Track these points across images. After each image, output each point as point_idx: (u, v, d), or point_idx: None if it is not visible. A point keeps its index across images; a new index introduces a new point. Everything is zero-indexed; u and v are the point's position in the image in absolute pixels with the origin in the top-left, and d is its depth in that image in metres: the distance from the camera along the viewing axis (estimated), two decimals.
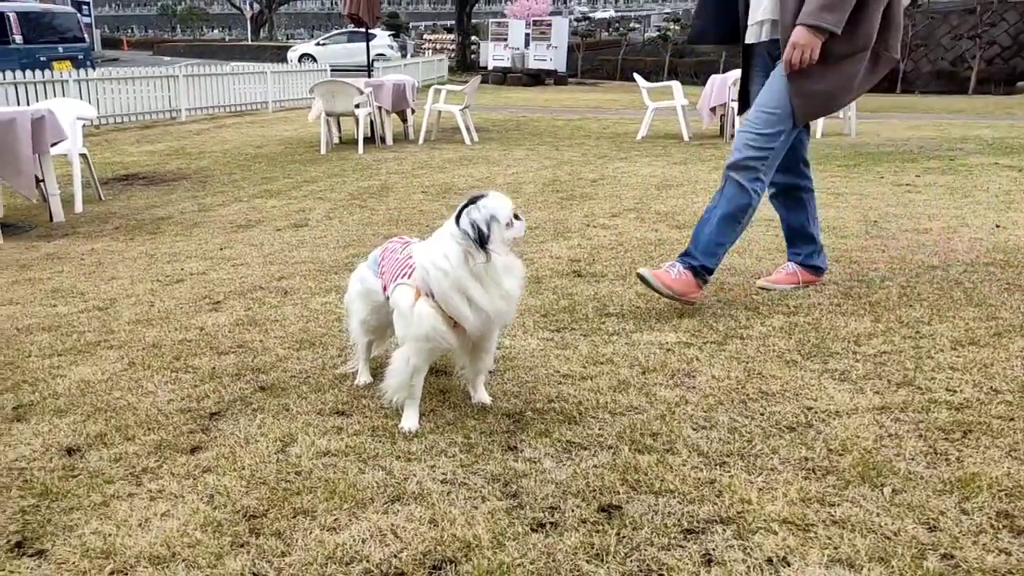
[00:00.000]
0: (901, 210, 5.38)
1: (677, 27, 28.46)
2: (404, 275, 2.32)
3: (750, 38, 3.40)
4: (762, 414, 2.37)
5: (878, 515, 1.82)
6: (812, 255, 3.67)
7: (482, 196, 2.23)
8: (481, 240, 2.15)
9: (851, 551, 1.69)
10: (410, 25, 40.55)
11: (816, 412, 2.38)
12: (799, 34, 3.00)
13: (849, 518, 1.81)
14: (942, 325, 3.09)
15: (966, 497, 1.89)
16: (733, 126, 9.42)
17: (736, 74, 9.56)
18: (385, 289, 2.43)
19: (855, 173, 7.11)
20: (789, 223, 3.71)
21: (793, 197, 3.66)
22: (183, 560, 1.73)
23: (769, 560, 1.67)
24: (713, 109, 9.99)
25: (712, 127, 10.69)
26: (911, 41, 20.05)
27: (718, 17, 3.48)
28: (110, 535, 1.83)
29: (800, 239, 3.69)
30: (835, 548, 1.71)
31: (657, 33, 28.95)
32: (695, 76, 22.01)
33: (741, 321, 3.21)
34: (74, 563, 1.74)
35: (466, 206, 2.21)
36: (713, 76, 10.13)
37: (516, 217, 2.26)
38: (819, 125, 9.93)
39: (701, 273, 3.32)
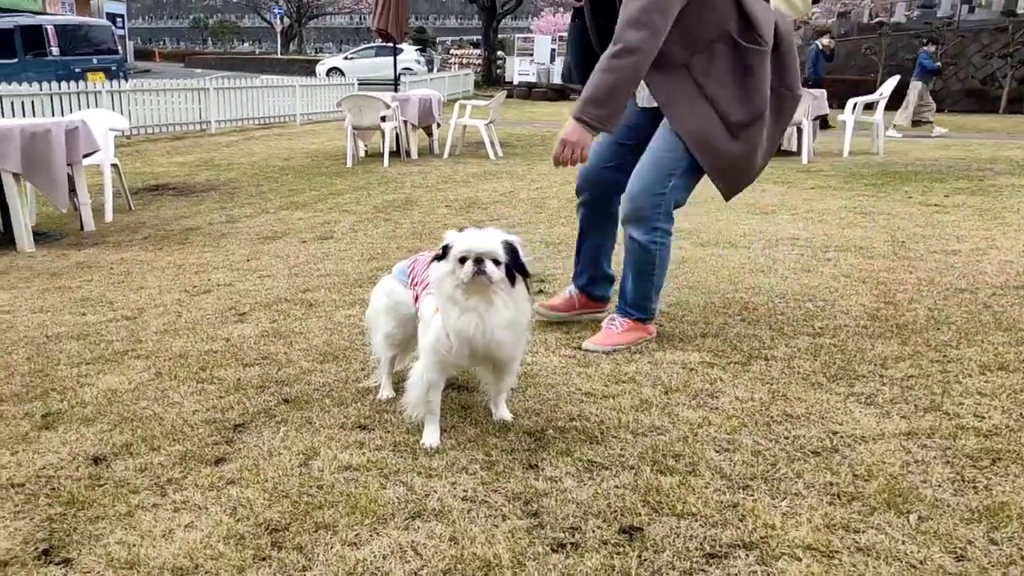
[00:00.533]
0: (929, 231, 5.33)
1: None
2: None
3: None
4: (786, 437, 2.35)
5: (904, 543, 1.80)
6: (597, 283, 3.51)
7: (471, 229, 2.25)
8: (433, 258, 2.26)
9: None
10: (437, 40, 40.91)
11: (842, 436, 2.35)
12: (569, 129, 2.79)
13: (874, 545, 1.79)
14: (970, 349, 3.04)
15: (995, 527, 1.85)
16: None
17: None
18: (417, 299, 2.45)
19: (883, 192, 7.04)
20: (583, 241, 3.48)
21: (602, 216, 3.38)
22: (206, 572, 1.74)
23: None
24: None
25: None
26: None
27: (576, 60, 3.27)
28: (135, 545, 1.85)
29: (589, 263, 3.49)
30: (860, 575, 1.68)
31: None
32: None
33: (765, 342, 3.18)
34: (99, 572, 1.76)
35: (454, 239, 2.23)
36: None
37: (479, 261, 2.15)
38: (847, 144, 9.87)
39: (648, 318, 3.21)
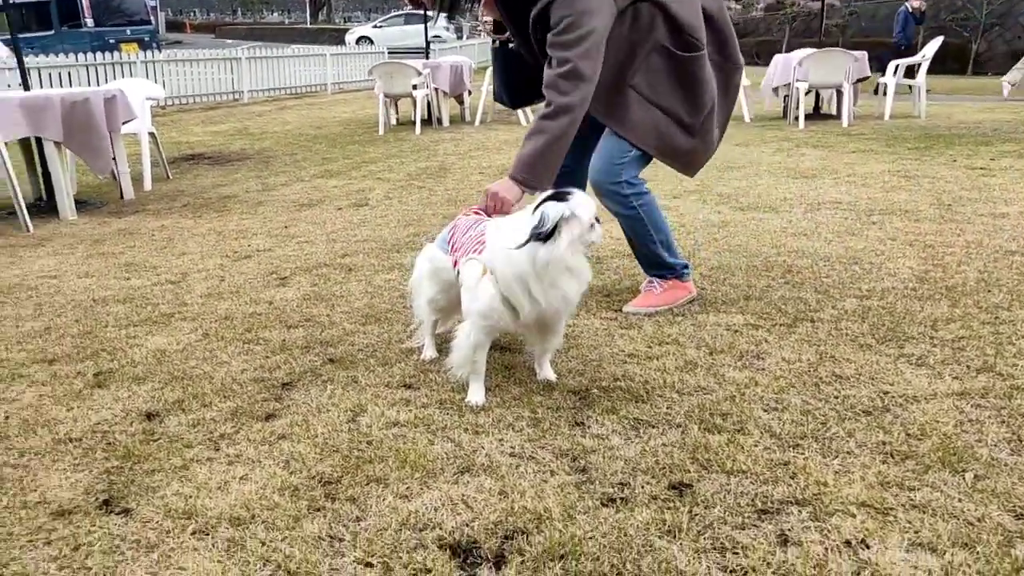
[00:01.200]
0: (976, 194, 5.19)
1: (739, 6, 27.87)
2: (476, 251, 2.33)
3: None
4: (836, 397, 2.32)
5: (960, 500, 1.77)
6: None
7: (568, 193, 2.22)
8: (542, 234, 2.13)
9: (933, 536, 1.65)
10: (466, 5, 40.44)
11: (893, 396, 2.31)
12: (502, 184, 2.65)
13: (930, 503, 1.77)
14: (1023, 311, 2.97)
15: None
16: (797, 107, 9.20)
17: (802, 54, 9.34)
18: (456, 264, 2.44)
19: (927, 156, 6.87)
20: None
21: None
22: (262, 522, 1.77)
23: (847, 542, 1.64)
24: (776, 90, 9.77)
25: (775, 107, 10.45)
26: (985, 20, 19.25)
27: (505, 83, 3.18)
28: (191, 496, 1.89)
29: None
30: (916, 532, 1.66)
31: None
32: (756, 57, 21.52)
33: (811, 304, 3.14)
34: (158, 522, 1.80)
35: (548, 199, 2.19)
36: (776, 56, 9.90)
37: (597, 220, 2.25)
38: (888, 107, 9.63)
39: (678, 273, 3.18)
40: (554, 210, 2.15)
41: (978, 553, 1.59)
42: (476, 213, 2.59)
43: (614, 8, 2.62)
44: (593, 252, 3.96)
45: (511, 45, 2.96)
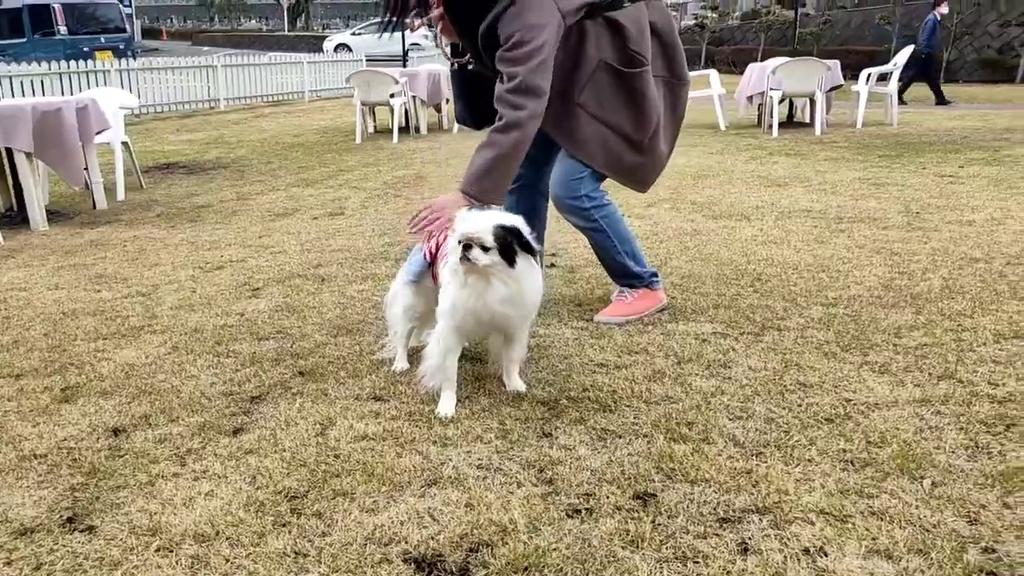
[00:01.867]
0: (943, 201, 5.28)
1: (715, 15, 28.15)
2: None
3: None
4: (800, 405, 2.36)
5: (917, 507, 1.81)
6: None
7: (472, 212, 2.31)
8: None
9: (889, 542, 1.68)
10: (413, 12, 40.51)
11: (855, 404, 2.35)
12: (449, 197, 2.65)
13: (887, 510, 1.80)
14: (985, 318, 3.03)
15: (1008, 491, 1.86)
16: (771, 115, 9.30)
17: (776, 62, 9.45)
18: (436, 277, 2.50)
19: (897, 164, 6.98)
20: None
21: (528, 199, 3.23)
22: (227, 538, 1.77)
23: (806, 550, 1.67)
24: (750, 98, 9.87)
25: (749, 116, 10.56)
26: (956, 29, 19.56)
27: (467, 105, 3.11)
28: (156, 513, 1.88)
29: None
30: (873, 539, 1.70)
31: (694, 21, 28.63)
32: (733, 65, 21.73)
33: (778, 312, 3.18)
34: (122, 539, 1.79)
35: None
36: (752, 65, 10.02)
37: (467, 247, 2.20)
38: (860, 115, 9.77)
39: (647, 282, 3.21)
40: (458, 216, 2.29)
41: (932, 559, 1.62)
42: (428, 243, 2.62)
43: (562, 23, 2.63)
44: (566, 261, 4.00)
45: (470, 67, 2.97)
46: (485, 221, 2.24)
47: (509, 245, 2.22)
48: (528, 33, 2.55)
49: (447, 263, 2.36)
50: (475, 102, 3.03)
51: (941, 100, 12.93)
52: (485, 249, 2.21)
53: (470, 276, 2.27)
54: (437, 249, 2.56)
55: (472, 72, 2.96)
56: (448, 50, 3.03)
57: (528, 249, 2.26)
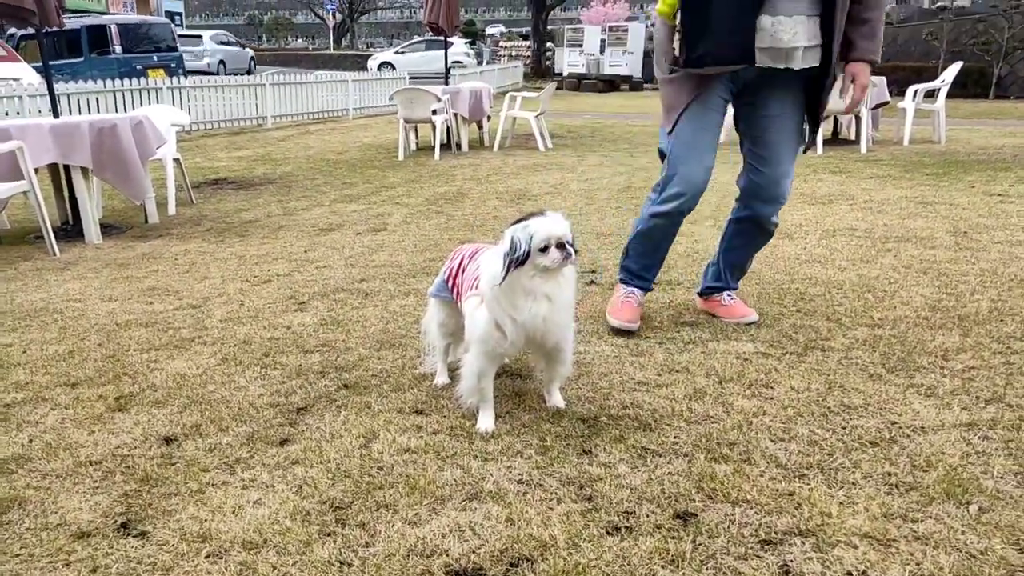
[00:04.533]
0: (993, 221, 5.18)
1: None
2: (472, 287, 2.39)
3: (777, 62, 2.82)
4: (843, 427, 2.34)
5: (963, 533, 1.78)
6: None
7: (539, 214, 2.24)
8: (514, 258, 2.17)
9: (934, 568, 1.66)
10: (486, 32, 40.98)
11: (900, 427, 2.32)
12: (859, 67, 2.81)
13: (933, 535, 1.78)
14: None
15: None
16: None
17: None
18: (458, 299, 2.53)
19: (944, 182, 6.86)
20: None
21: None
22: (274, 546, 1.82)
23: (849, 574, 1.66)
24: None
25: None
26: (1007, 44, 19.17)
27: (725, 38, 2.81)
28: (206, 520, 1.94)
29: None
30: (917, 564, 1.68)
31: None
32: None
33: (822, 332, 3.15)
34: (173, 545, 1.85)
35: (517, 222, 2.25)
36: None
37: (561, 246, 2.20)
38: (907, 132, 9.62)
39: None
40: (521, 234, 2.19)
41: None
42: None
43: None
44: (605, 280, 4.00)
45: None
46: (563, 221, 2.23)
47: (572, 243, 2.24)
48: None
49: (474, 294, 2.38)
50: (727, 35, 2.80)
51: None
52: (571, 246, 2.22)
53: (548, 283, 2.23)
54: (454, 276, 2.57)
55: None
56: None
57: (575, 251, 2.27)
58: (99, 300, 4.02)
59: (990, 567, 1.66)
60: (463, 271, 2.52)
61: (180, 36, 28.59)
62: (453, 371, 2.77)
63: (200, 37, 28.74)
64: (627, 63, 24.85)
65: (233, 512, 1.97)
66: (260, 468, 2.19)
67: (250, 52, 29.89)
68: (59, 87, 10.62)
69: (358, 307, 3.73)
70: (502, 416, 2.47)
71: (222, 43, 29.37)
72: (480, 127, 10.99)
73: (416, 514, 1.94)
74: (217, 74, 26.02)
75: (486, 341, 2.33)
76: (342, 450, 2.28)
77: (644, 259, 3.33)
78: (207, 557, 1.80)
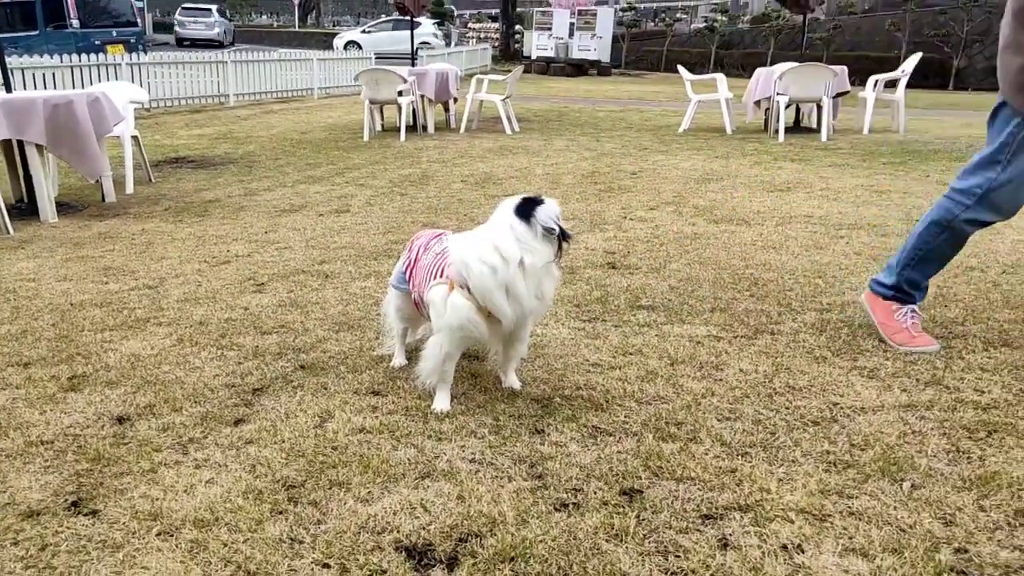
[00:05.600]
0: None
1: (724, 18, 28.14)
2: (435, 277, 2.40)
3: None
4: (787, 408, 2.41)
5: (895, 508, 1.86)
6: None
7: (541, 199, 2.25)
8: (564, 239, 2.23)
9: (865, 542, 1.73)
10: (455, 13, 40.64)
11: (841, 408, 2.40)
12: None
13: (866, 510, 1.85)
14: (976, 326, 3.08)
15: (985, 495, 1.91)
16: (777, 120, 9.34)
17: (783, 67, 9.48)
18: (417, 304, 2.54)
19: (901, 171, 7.01)
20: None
21: None
22: (226, 524, 1.83)
23: (784, 547, 1.72)
24: (758, 103, 9.90)
25: (756, 121, 10.59)
26: (967, 36, 19.55)
27: None
28: (158, 499, 1.95)
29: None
30: (850, 538, 1.75)
31: (704, 24, 28.63)
32: (742, 69, 21.74)
33: (773, 316, 3.23)
34: (124, 523, 1.86)
35: (531, 205, 2.23)
36: (759, 69, 10.04)
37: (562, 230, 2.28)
38: (866, 122, 9.79)
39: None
40: (553, 215, 2.23)
41: (905, 558, 1.68)
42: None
43: None
44: (566, 262, 4.05)
45: None
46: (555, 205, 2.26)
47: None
48: None
49: (438, 283, 2.38)
50: None
51: None
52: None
53: (535, 267, 2.25)
54: (411, 268, 2.58)
55: None
56: None
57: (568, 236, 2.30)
58: (53, 280, 3.96)
59: (917, 540, 1.74)
60: (417, 263, 2.54)
61: (189, 8, 31.98)
62: (411, 352, 2.79)
63: (210, 10, 31.59)
64: (595, 48, 24.85)
65: (185, 491, 1.98)
66: (213, 448, 2.20)
67: (232, 24, 31.92)
68: (12, 61, 10.33)
69: (318, 289, 3.73)
70: (457, 397, 2.50)
71: (222, 15, 32.54)
72: (447, 109, 10.94)
73: (368, 492, 1.96)
74: (222, 44, 28.28)
75: (464, 327, 2.32)
76: (297, 430, 2.30)
77: (932, 267, 2.96)
78: (158, 535, 1.81)
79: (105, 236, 4.95)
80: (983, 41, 19.91)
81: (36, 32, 15.78)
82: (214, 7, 32.46)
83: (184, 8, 32.22)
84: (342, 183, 6.74)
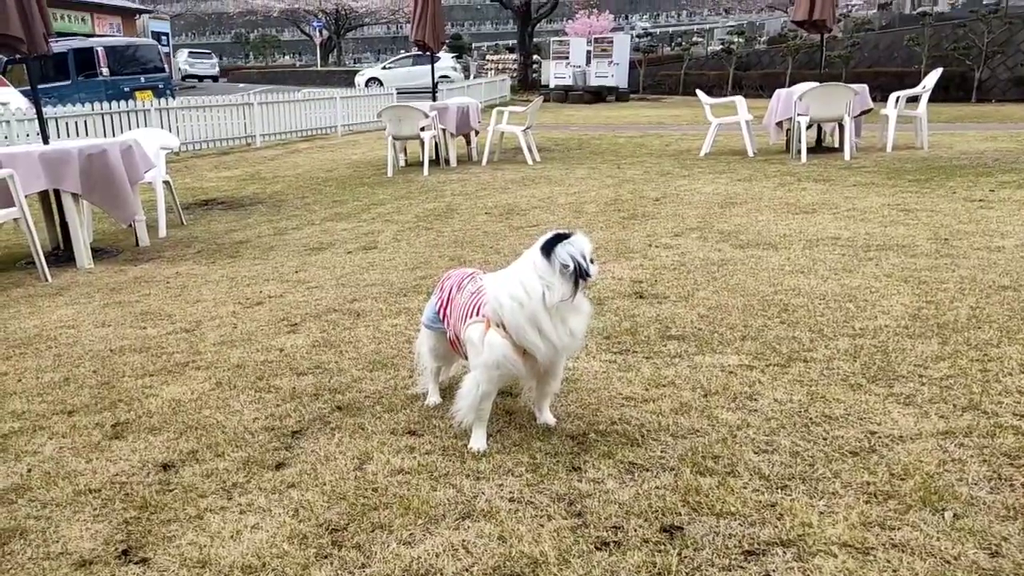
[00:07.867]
0: (973, 227, 5.28)
1: (741, 40, 28.21)
2: (471, 315, 2.43)
3: None
4: (824, 438, 2.40)
5: (938, 539, 1.85)
6: None
7: (569, 234, 2.27)
8: (582, 276, 2.23)
9: (910, 574, 1.72)
10: (473, 46, 41.16)
11: (879, 436, 2.39)
12: None
13: (909, 542, 1.84)
14: (1011, 348, 3.05)
15: None
16: (799, 141, 9.32)
17: (802, 88, 9.48)
18: (453, 343, 2.57)
19: (926, 188, 6.97)
20: None
21: None
22: (272, 570, 1.87)
23: None
24: (779, 124, 9.90)
25: (779, 142, 10.58)
26: (987, 48, 19.43)
27: None
28: (205, 546, 1.99)
29: None
30: (894, 571, 1.74)
31: (721, 47, 28.73)
32: (760, 89, 21.76)
33: (804, 343, 3.22)
34: (174, 571, 1.90)
35: (555, 241, 2.25)
36: (779, 90, 10.05)
37: (592, 263, 2.29)
38: (889, 139, 9.75)
39: None
40: (576, 252, 2.22)
41: None
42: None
43: None
44: (593, 293, 4.07)
45: None
46: (586, 238, 2.28)
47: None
48: None
49: (475, 321, 2.41)
50: None
51: None
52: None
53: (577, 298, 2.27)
54: (445, 306, 2.61)
55: None
56: None
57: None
58: (92, 326, 4.06)
59: (963, 572, 1.72)
60: (451, 302, 2.58)
61: (196, 52, 41.85)
62: (445, 390, 2.82)
63: (210, 53, 42.75)
64: (613, 74, 25.03)
65: (231, 537, 2.02)
66: (257, 492, 2.24)
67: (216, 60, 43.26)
68: (47, 111, 10.64)
69: (350, 328, 3.78)
70: (493, 435, 2.52)
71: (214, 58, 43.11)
72: (468, 142, 11.07)
73: (411, 534, 1.99)
74: (215, 78, 39.23)
75: (501, 365, 2.35)
76: (337, 472, 2.33)
77: None
78: None
79: (140, 280, 5.06)
80: (1004, 52, 19.77)
81: (69, 82, 16.25)
82: (212, 52, 44.03)
83: (191, 52, 42.07)
84: (368, 219, 6.84)
